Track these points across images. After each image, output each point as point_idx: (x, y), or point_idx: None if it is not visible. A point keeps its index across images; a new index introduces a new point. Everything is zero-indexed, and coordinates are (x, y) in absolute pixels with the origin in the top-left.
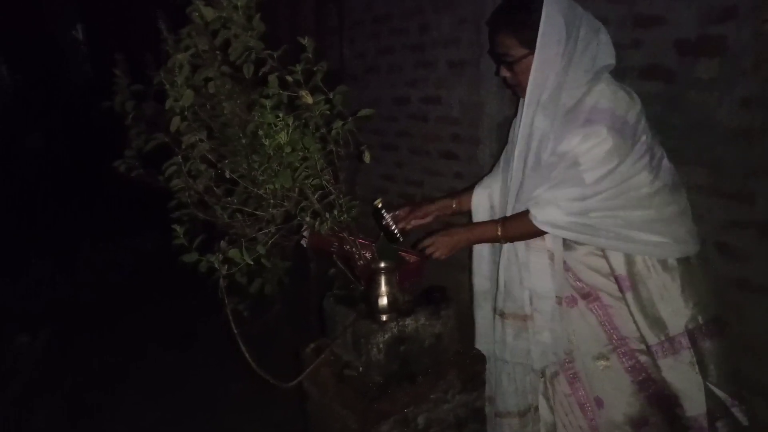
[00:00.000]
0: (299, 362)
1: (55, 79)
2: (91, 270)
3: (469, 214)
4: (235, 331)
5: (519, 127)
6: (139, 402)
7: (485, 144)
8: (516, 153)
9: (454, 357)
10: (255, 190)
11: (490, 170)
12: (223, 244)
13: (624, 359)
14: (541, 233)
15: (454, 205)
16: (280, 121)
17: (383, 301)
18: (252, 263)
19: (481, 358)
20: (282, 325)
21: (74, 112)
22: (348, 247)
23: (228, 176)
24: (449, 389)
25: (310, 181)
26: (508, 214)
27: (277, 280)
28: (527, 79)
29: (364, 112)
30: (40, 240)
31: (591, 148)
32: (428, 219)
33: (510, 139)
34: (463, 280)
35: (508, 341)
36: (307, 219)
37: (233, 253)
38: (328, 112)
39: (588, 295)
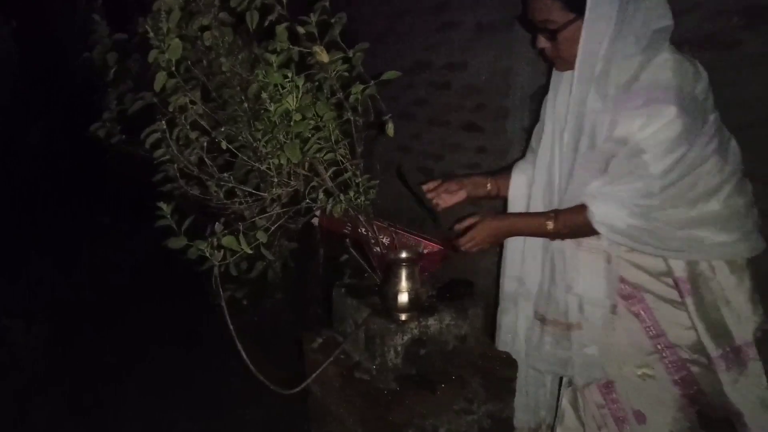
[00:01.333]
0: (302, 357)
1: (56, 74)
2: (90, 270)
3: (500, 200)
4: (231, 327)
5: (557, 106)
6: (141, 401)
7: (514, 116)
8: (566, 137)
9: (480, 361)
10: (257, 164)
11: (523, 152)
12: (218, 226)
13: (672, 369)
14: (596, 232)
15: (488, 186)
16: (288, 82)
17: (403, 297)
18: (251, 251)
19: (511, 363)
20: (285, 314)
21: (75, 108)
22: (364, 231)
23: (225, 147)
24: (474, 398)
25: (322, 155)
26: (554, 206)
27: (282, 263)
28: (571, 50)
29: (389, 74)
30: (39, 239)
31: (656, 132)
32: (460, 195)
33: (542, 118)
34: (486, 268)
35: (545, 349)
36: (320, 198)
37: (228, 240)
38: (346, 74)
39: (630, 297)
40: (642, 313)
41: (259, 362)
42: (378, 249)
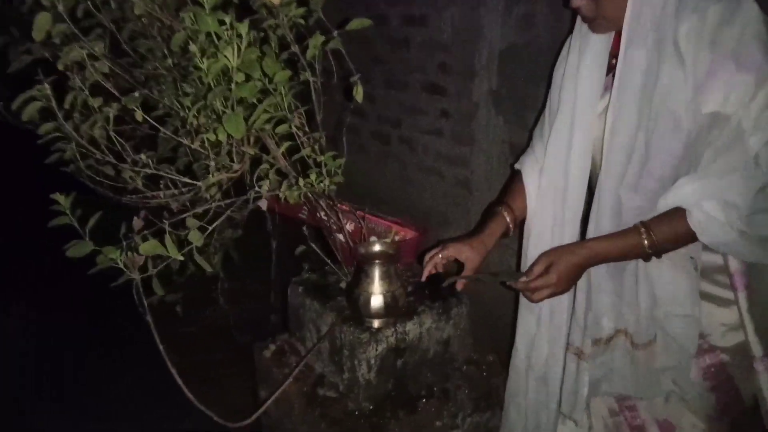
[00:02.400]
0: (254, 367)
1: None
2: None
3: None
4: (161, 348)
5: (582, 78)
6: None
7: (482, 77)
8: (611, 119)
9: (465, 366)
10: (186, 141)
11: (528, 143)
12: (136, 222)
13: (709, 374)
14: (695, 240)
15: (509, 221)
16: (226, 30)
17: (377, 302)
18: (183, 257)
19: (498, 369)
20: (233, 318)
21: None
22: (324, 216)
23: (141, 119)
24: (459, 412)
25: (271, 126)
26: (604, 212)
27: (223, 254)
28: (617, 5)
29: (357, 23)
30: None
31: (764, 104)
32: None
33: (552, 97)
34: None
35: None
36: (270, 177)
37: (148, 247)
38: (302, 22)
39: None
40: None
41: (202, 384)
42: (342, 237)
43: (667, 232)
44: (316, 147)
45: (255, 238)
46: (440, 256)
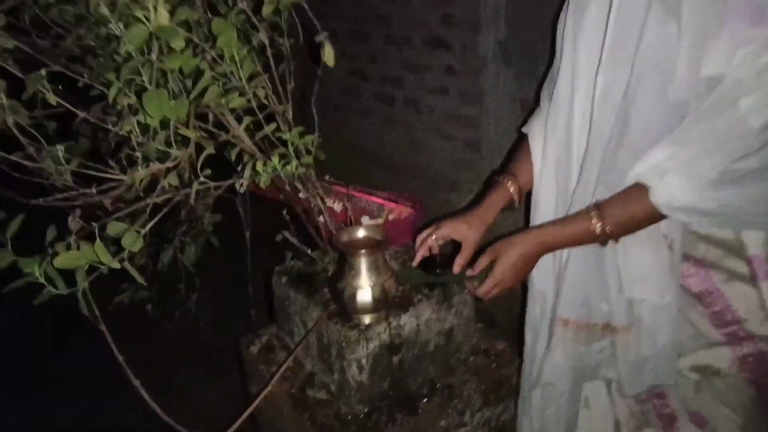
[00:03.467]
0: (242, 362)
1: None
2: None
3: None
4: (120, 359)
5: (582, 35)
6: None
7: (488, 29)
8: (601, 82)
9: (472, 358)
10: (109, 126)
11: (536, 106)
12: (73, 221)
13: (748, 366)
14: (659, 219)
15: (513, 192)
16: None
17: (365, 296)
18: (119, 264)
19: (511, 357)
20: (204, 319)
21: None
22: (304, 197)
23: (55, 102)
24: (467, 408)
25: (226, 101)
26: (589, 184)
27: (203, 241)
28: None
29: None
30: None
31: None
32: (471, 237)
33: (558, 53)
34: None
35: (560, 356)
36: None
37: (67, 259)
38: None
39: (691, 275)
40: (707, 295)
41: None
42: (325, 220)
43: (623, 214)
44: (286, 121)
45: (226, 225)
46: (433, 236)
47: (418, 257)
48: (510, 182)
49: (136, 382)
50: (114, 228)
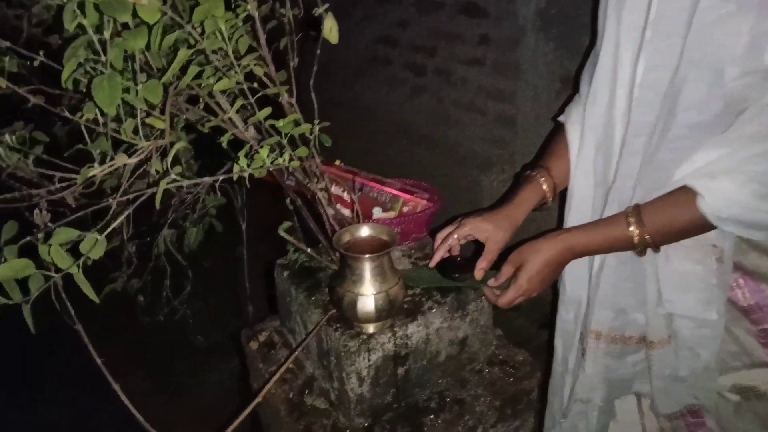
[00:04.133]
0: (242, 357)
1: None
2: None
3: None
4: (99, 361)
5: (625, 17)
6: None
7: None
8: (642, 68)
9: (487, 369)
10: (69, 116)
11: (575, 91)
12: (39, 215)
13: None
14: (707, 229)
15: (546, 189)
16: None
17: (366, 305)
18: (77, 269)
19: (531, 368)
20: (207, 305)
21: None
22: (310, 182)
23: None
24: (479, 424)
25: (212, 80)
26: (627, 181)
27: (206, 225)
28: None
29: None
30: None
31: None
32: (497, 239)
33: (600, 35)
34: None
35: (594, 369)
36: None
37: (5, 270)
38: None
39: (737, 287)
40: (757, 310)
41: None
42: (327, 216)
43: (665, 221)
44: (290, 102)
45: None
46: (455, 236)
47: (437, 258)
48: (543, 178)
49: (116, 386)
50: (63, 235)
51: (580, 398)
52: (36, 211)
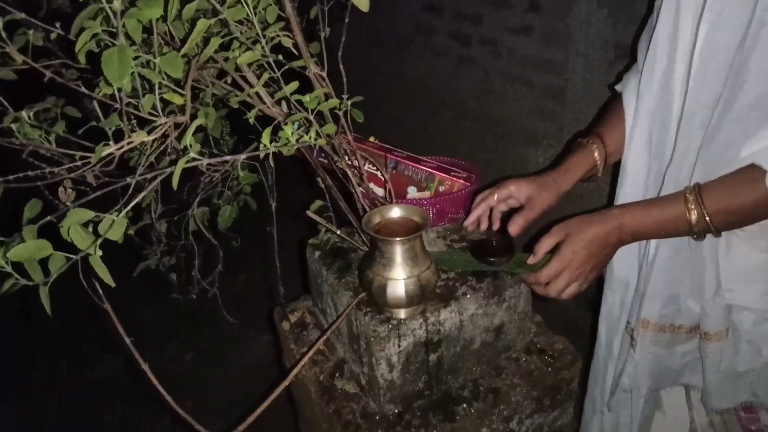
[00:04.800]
0: (276, 336)
1: None
2: None
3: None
4: (128, 341)
5: None
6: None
7: None
8: (703, 34)
9: (524, 357)
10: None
11: (633, 60)
12: (64, 193)
13: None
14: None
15: (598, 159)
16: None
17: (396, 290)
18: (93, 252)
19: (572, 358)
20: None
21: None
22: (340, 160)
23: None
24: (514, 414)
25: (237, 54)
26: (686, 158)
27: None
28: None
29: None
30: None
31: None
32: (538, 204)
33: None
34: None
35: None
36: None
37: (20, 251)
38: None
39: None
40: None
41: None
42: (362, 190)
43: (728, 201)
44: (321, 77)
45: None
46: (495, 196)
47: (473, 217)
48: (595, 146)
49: (145, 366)
50: (77, 215)
51: (624, 387)
52: (60, 189)
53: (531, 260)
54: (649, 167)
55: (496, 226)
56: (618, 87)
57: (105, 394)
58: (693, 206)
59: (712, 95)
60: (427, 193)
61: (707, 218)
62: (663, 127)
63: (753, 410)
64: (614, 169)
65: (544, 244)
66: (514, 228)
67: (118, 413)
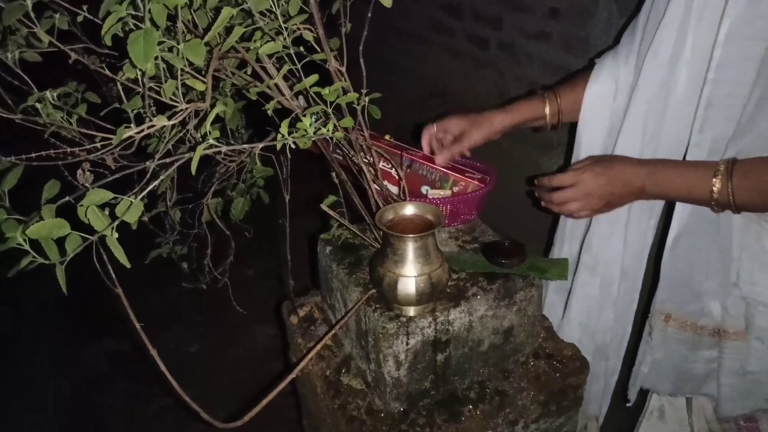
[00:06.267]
0: (283, 329)
1: None
2: None
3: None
4: (138, 326)
5: None
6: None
7: None
8: (737, 10)
9: (532, 361)
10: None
11: (614, 43)
12: (83, 175)
13: None
14: None
15: (547, 110)
16: None
17: (407, 287)
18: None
19: (581, 364)
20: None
21: None
22: (355, 156)
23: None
24: (520, 418)
25: (259, 44)
26: (712, 153)
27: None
28: None
29: None
30: None
31: None
32: (472, 138)
33: None
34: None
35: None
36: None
37: (39, 228)
38: None
39: None
40: None
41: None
42: (377, 187)
43: (755, 179)
44: (339, 72)
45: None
46: (434, 128)
47: (426, 149)
48: (549, 98)
49: (153, 351)
50: (96, 196)
51: (642, 386)
52: (79, 171)
53: (547, 182)
54: (641, 154)
55: (438, 155)
56: (597, 60)
57: (102, 376)
58: (720, 178)
59: (739, 86)
60: (440, 193)
61: (730, 189)
62: (659, 115)
63: (753, 419)
64: None
65: (565, 177)
66: (439, 159)
67: (116, 397)
